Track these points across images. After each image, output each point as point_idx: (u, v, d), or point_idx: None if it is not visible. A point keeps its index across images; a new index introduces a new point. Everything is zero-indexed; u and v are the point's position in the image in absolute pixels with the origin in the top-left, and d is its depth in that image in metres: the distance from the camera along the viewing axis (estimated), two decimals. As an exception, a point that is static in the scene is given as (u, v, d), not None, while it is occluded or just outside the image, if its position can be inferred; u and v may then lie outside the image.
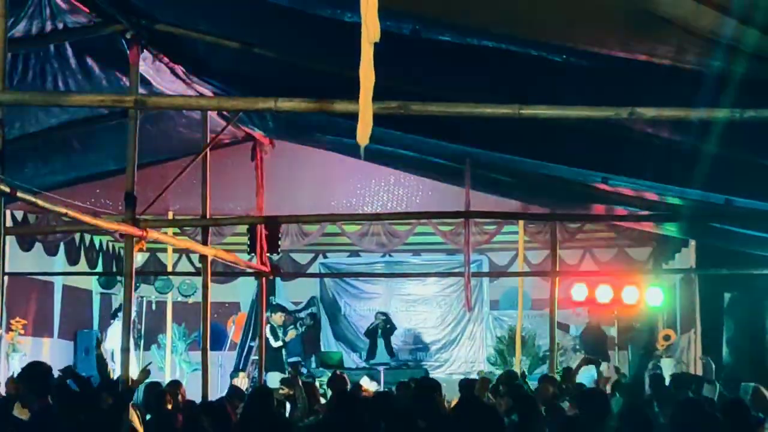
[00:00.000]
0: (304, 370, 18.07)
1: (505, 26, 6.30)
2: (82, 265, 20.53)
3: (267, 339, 17.31)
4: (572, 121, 7.27)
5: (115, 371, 12.17)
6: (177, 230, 16.30)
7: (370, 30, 3.45)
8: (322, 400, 12.08)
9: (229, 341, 22.77)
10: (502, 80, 7.45)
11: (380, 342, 21.45)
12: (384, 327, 21.75)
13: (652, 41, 5.46)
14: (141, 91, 9.74)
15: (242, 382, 17.37)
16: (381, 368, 19.26)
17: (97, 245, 21.18)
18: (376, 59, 3.90)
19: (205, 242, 13.09)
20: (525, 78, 7.16)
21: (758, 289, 15.63)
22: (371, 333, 21.88)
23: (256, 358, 17.28)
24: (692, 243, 17.58)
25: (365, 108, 4.24)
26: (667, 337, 18.11)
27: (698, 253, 17.23)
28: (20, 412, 8.82)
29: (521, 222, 18.50)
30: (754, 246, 13.24)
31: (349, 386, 12.21)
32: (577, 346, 19.90)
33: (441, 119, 7.87)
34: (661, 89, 5.66)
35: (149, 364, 12.22)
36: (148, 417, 9.65)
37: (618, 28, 5.54)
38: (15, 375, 10.75)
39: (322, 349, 22.19)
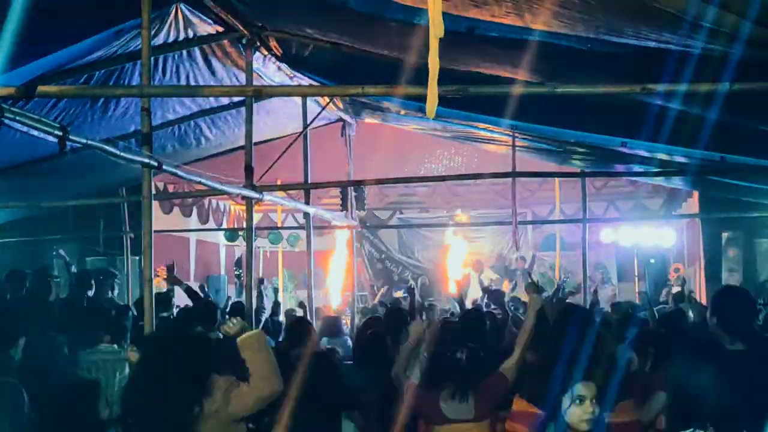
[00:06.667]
0: None
1: (541, 24, 6.33)
2: (211, 224, 20.87)
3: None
4: (597, 97, 7.29)
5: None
6: (284, 194, 16.47)
7: (436, 27, 3.53)
8: None
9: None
10: (540, 65, 7.46)
11: None
12: None
13: (659, 30, 5.47)
14: (254, 83, 9.87)
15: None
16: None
17: (222, 208, 21.49)
18: (440, 51, 3.96)
19: (307, 203, 13.24)
20: (558, 63, 7.16)
21: (749, 229, 15.62)
22: None
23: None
24: (695, 193, 17.47)
25: (432, 90, 4.32)
26: (677, 270, 18.05)
27: (701, 202, 17.13)
28: None
29: (557, 179, 18.47)
30: (744, 194, 13.15)
31: None
32: (604, 279, 19.93)
33: (492, 98, 7.93)
34: (668, 68, 5.66)
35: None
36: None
37: (631, 20, 5.55)
38: None
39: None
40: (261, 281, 13.20)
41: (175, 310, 11.51)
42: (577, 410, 4.49)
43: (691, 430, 3.90)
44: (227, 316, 7.32)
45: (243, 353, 4.89)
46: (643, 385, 6.18)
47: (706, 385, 4.10)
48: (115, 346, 8.20)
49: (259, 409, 4.88)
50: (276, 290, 14.42)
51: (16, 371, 5.74)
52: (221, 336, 5.28)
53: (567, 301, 11.99)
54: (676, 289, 14.26)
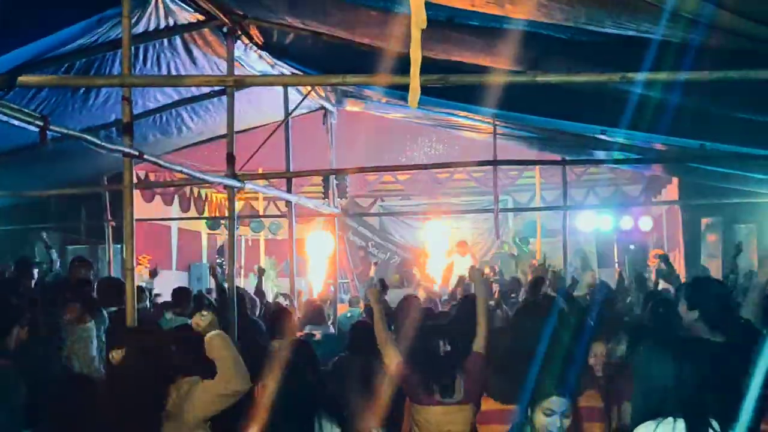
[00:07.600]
0: None
1: (521, 13, 6.33)
2: (192, 212, 20.86)
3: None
4: (577, 85, 7.32)
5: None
6: (266, 182, 16.46)
7: (418, 17, 3.52)
8: None
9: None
10: (520, 54, 7.47)
11: None
12: None
13: (638, 19, 5.49)
14: (236, 72, 9.83)
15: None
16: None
17: (203, 196, 21.47)
18: (421, 40, 3.95)
19: (289, 191, 13.22)
20: (539, 52, 7.17)
21: (728, 215, 15.69)
22: None
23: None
24: (675, 180, 17.55)
25: (415, 80, 4.32)
26: (656, 256, 18.09)
27: (680, 188, 17.22)
28: None
29: (538, 167, 18.53)
30: (723, 180, 13.20)
31: None
32: (584, 265, 20.01)
33: (474, 87, 7.93)
34: (647, 56, 5.68)
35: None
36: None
37: (611, 10, 5.56)
38: None
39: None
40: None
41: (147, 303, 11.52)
42: (544, 419, 4.53)
43: (660, 419, 3.91)
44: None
45: (209, 354, 4.90)
46: (614, 390, 6.08)
47: (673, 376, 4.06)
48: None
49: (224, 407, 4.86)
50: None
51: (12, 359, 5.71)
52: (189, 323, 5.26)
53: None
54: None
